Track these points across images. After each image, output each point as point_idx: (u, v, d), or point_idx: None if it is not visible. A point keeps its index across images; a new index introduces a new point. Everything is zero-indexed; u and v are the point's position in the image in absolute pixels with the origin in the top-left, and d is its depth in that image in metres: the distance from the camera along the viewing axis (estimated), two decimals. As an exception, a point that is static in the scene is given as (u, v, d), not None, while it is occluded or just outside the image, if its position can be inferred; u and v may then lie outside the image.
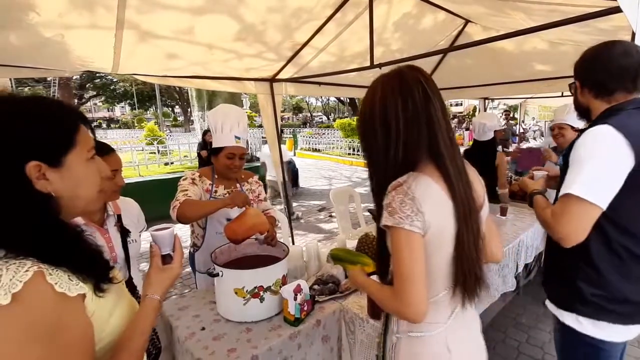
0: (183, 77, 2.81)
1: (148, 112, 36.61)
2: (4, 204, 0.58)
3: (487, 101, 6.16)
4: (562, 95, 5.46)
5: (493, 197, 2.98)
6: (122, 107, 39.63)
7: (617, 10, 1.26)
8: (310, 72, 3.14)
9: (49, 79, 17.63)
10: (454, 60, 3.89)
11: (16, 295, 0.53)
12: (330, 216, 5.90)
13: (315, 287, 1.61)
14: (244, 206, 1.55)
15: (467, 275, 0.87)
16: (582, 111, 1.24)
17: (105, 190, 0.74)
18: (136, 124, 26.09)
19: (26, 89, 17.28)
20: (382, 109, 0.86)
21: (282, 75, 3.19)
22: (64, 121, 0.65)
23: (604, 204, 1.02)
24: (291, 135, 15.84)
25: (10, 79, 2.35)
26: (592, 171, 1.02)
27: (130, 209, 1.52)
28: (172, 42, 2.22)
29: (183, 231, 3.30)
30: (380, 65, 2.27)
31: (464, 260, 0.86)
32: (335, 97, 22.77)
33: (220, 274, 1.37)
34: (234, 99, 7.66)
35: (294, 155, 13.42)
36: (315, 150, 15.01)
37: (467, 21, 3.18)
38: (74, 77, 18.95)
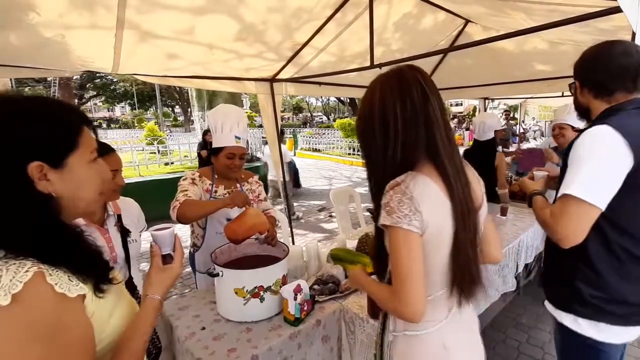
0: (183, 77, 2.81)
1: (148, 112, 36.63)
2: (5, 203, 0.58)
3: (487, 101, 6.16)
4: (562, 95, 5.46)
5: (493, 197, 2.98)
6: (122, 107, 39.65)
7: (617, 10, 1.26)
8: (311, 72, 3.14)
9: (49, 79, 17.63)
10: (454, 60, 3.89)
11: (16, 296, 0.53)
12: (331, 216, 5.91)
13: (315, 287, 1.61)
14: (244, 206, 1.55)
15: (463, 274, 0.87)
16: (582, 111, 1.24)
17: (105, 193, 0.74)
18: (136, 124, 26.10)
19: (26, 89, 17.27)
20: (380, 109, 0.86)
21: (283, 75, 3.19)
22: (67, 122, 0.66)
23: (602, 205, 1.01)
24: (291, 136, 15.84)
25: (10, 79, 2.35)
26: (591, 171, 1.02)
27: (130, 209, 1.53)
28: (172, 42, 2.22)
29: (183, 231, 3.30)
30: (380, 65, 2.27)
31: (460, 260, 0.86)
32: (336, 97, 22.77)
33: (221, 274, 1.37)
34: (234, 99, 7.66)
35: (294, 155, 13.42)
36: (316, 150, 15.01)
37: (467, 21, 3.18)
38: (74, 77, 18.95)
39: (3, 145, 0.58)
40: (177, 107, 32.59)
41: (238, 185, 1.88)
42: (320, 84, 3.51)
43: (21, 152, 0.59)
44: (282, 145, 5.76)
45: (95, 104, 36.15)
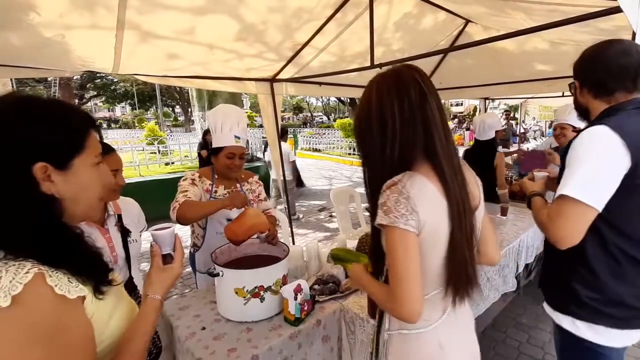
0: (183, 77, 2.82)
1: (148, 112, 36.65)
2: (8, 202, 0.58)
3: (487, 101, 6.16)
4: (562, 95, 5.46)
5: (492, 197, 2.98)
6: (123, 107, 39.68)
7: (617, 10, 1.26)
8: (311, 72, 3.14)
9: (49, 79, 17.64)
10: (455, 60, 3.89)
11: (16, 298, 0.53)
12: (331, 216, 5.91)
13: (316, 287, 1.61)
14: (243, 207, 1.55)
15: (459, 274, 0.87)
16: (582, 111, 1.23)
17: (105, 198, 0.74)
18: (137, 124, 26.12)
19: (27, 89, 17.28)
20: (378, 108, 0.86)
21: (283, 75, 3.19)
22: (75, 125, 0.66)
23: (599, 206, 1.00)
24: (291, 135, 15.84)
25: (10, 79, 2.35)
26: (588, 172, 1.01)
27: (130, 209, 1.53)
28: (172, 43, 2.22)
29: (183, 231, 3.30)
30: (380, 65, 2.27)
31: (456, 260, 0.86)
32: (336, 97, 22.72)
33: (221, 273, 1.37)
34: (235, 99, 7.67)
35: (294, 155, 13.40)
36: (316, 150, 15.01)
37: (468, 21, 3.18)
38: (75, 77, 18.96)
39: (10, 145, 0.58)
40: (177, 107, 32.61)
41: (238, 185, 1.88)
42: (320, 84, 3.51)
43: (27, 152, 0.59)
44: (285, 145, 5.79)
45: (96, 104, 36.13)
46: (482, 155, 3.02)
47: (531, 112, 13.23)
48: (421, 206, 0.80)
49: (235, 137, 1.69)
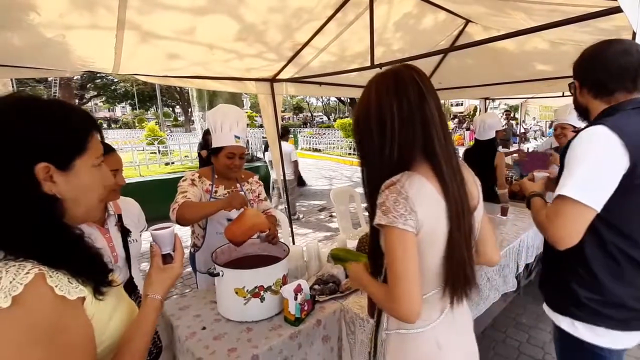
0: (184, 77, 2.82)
1: (149, 112, 36.67)
2: (9, 202, 0.58)
3: (487, 101, 6.16)
4: (563, 95, 5.46)
5: (492, 197, 2.98)
6: (123, 107, 39.72)
7: (617, 10, 1.26)
8: (311, 72, 3.14)
9: (49, 79, 17.65)
10: (455, 60, 3.89)
11: (17, 298, 0.53)
12: (331, 216, 5.91)
13: (316, 287, 1.61)
14: (242, 207, 1.55)
15: (457, 275, 0.87)
16: (582, 111, 1.22)
17: (104, 200, 0.74)
18: (137, 124, 26.13)
19: (27, 89, 17.29)
20: (377, 108, 0.86)
21: (283, 75, 3.20)
22: (78, 126, 0.66)
23: (598, 206, 1.00)
24: (291, 135, 15.83)
25: (11, 79, 2.35)
26: (586, 172, 1.00)
27: (130, 209, 1.53)
28: (173, 43, 2.23)
29: (183, 231, 3.30)
30: (380, 65, 2.27)
31: (454, 261, 0.86)
32: (336, 97, 22.74)
33: (221, 273, 1.37)
34: (235, 99, 7.65)
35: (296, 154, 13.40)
36: (316, 150, 15.01)
37: (468, 21, 3.18)
38: (75, 78, 18.97)
39: (12, 145, 0.58)
40: (177, 107, 32.61)
41: (238, 185, 1.88)
42: (320, 84, 3.51)
43: (29, 152, 0.59)
44: (287, 144, 5.79)
45: (96, 104, 36.16)
46: (483, 155, 3.02)
47: (531, 112, 13.24)
48: (420, 206, 0.80)
49: (235, 136, 1.69)
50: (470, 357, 1.00)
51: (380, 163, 0.87)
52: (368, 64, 2.40)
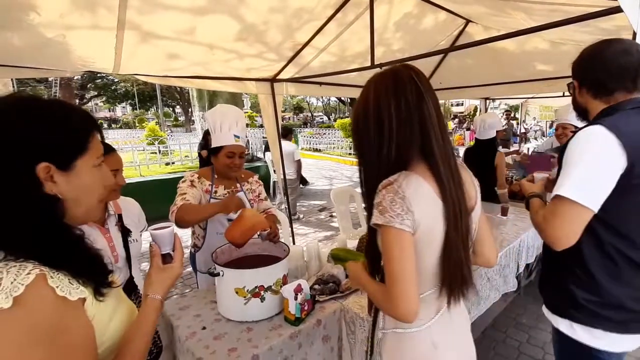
0: (184, 77, 2.82)
1: (149, 112, 36.67)
2: (9, 202, 0.58)
3: (488, 101, 6.16)
4: (563, 95, 5.46)
5: (492, 197, 2.98)
6: (123, 107, 39.75)
7: (618, 10, 1.26)
8: (311, 72, 3.14)
9: (50, 79, 17.66)
10: (455, 60, 3.89)
11: (18, 299, 0.53)
12: (331, 216, 5.91)
13: (316, 286, 1.61)
14: (239, 210, 1.55)
15: (454, 275, 0.87)
16: (581, 111, 1.21)
17: (104, 200, 0.74)
18: (137, 124, 26.13)
19: (27, 89, 17.30)
20: (375, 108, 0.87)
21: (283, 75, 3.20)
22: (79, 126, 0.66)
23: (595, 206, 0.99)
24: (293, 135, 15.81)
25: (11, 79, 2.35)
26: (583, 172, 1.00)
27: (131, 209, 1.53)
28: (173, 43, 2.23)
29: (183, 231, 3.31)
30: (381, 65, 2.27)
31: (451, 261, 0.86)
32: (336, 97, 22.76)
33: (221, 273, 1.37)
34: (235, 99, 7.65)
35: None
36: (316, 150, 15.01)
37: (468, 21, 3.18)
38: (75, 78, 18.98)
39: (12, 145, 0.58)
40: (177, 107, 32.62)
41: (238, 185, 1.88)
42: (320, 84, 3.51)
43: (30, 152, 0.59)
44: (290, 144, 5.79)
45: (96, 104, 36.19)
46: (483, 154, 3.02)
47: (531, 112, 13.22)
48: (417, 206, 0.80)
49: (235, 136, 1.69)
50: (466, 357, 1.00)
51: (378, 163, 0.88)
52: (368, 64, 2.40)
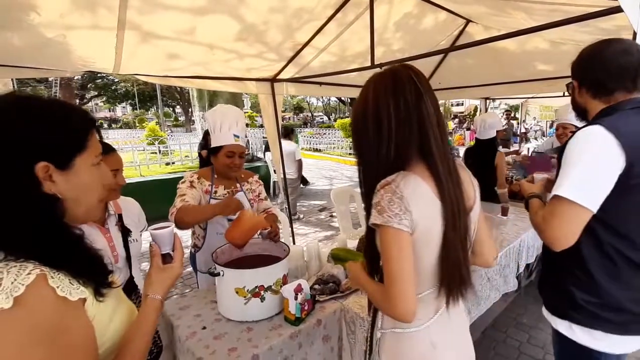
0: (184, 77, 2.82)
1: (149, 112, 36.67)
2: (8, 202, 0.58)
3: (488, 101, 6.16)
4: (563, 95, 5.45)
5: (492, 197, 2.98)
6: (124, 107, 39.76)
7: (618, 10, 1.26)
8: (311, 72, 3.14)
9: (50, 79, 17.67)
10: (455, 60, 3.89)
11: (18, 299, 0.53)
12: (331, 216, 5.91)
13: (316, 286, 1.61)
14: (238, 211, 1.55)
15: (453, 275, 0.87)
16: (580, 111, 1.21)
17: (104, 199, 0.73)
18: (137, 124, 26.13)
19: (28, 89, 17.31)
20: (374, 108, 0.87)
21: (283, 75, 3.20)
22: (77, 125, 0.66)
23: (594, 207, 0.99)
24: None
25: (12, 79, 2.36)
26: (582, 173, 0.99)
27: (131, 208, 1.53)
28: (173, 43, 2.23)
29: (184, 231, 3.31)
30: (381, 65, 2.27)
31: (450, 260, 0.86)
32: (336, 97, 22.77)
33: (221, 273, 1.38)
34: (235, 99, 7.65)
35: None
36: (316, 150, 15.01)
37: (468, 21, 3.18)
38: (76, 78, 18.99)
39: (11, 144, 0.57)
40: (178, 107, 32.63)
41: (238, 185, 1.88)
42: (321, 84, 3.51)
43: (29, 151, 0.59)
44: (291, 143, 5.79)
45: (97, 104, 36.20)
46: (483, 154, 3.01)
47: (532, 112, 13.21)
48: (415, 206, 0.80)
49: (234, 135, 1.69)
50: (465, 357, 1.00)
51: (377, 162, 0.88)
52: (368, 64, 2.40)
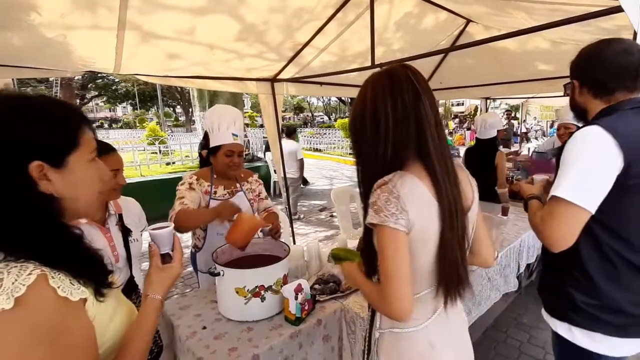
0: (184, 77, 2.82)
1: (150, 112, 36.67)
2: (6, 203, 0.58)
3: (488, 101, 6.15)
4: (564, 95, 5.44)
5: (492, 197, 2.97)
6: (124, 107, 39.76)
7: (618, 9, 1.26)
8: (312, 72, 3.14)
9: (51, 79, 17.69)
10: (456, 60, 3.89)
11: (19, 299, 0.53)
12: (332, 216, 5.91)
13: (316, 286, 1.61)
14: (235, 214, 1.55)
15: (450, 275, 0.87)
16: (579, 111, 1.20)
17: (104, 192, 0.73)
18: (138, 124, 26.14)
19: (28, 89, 17.32)
20: (372, 108, 0.87)
21: (284, 75, 3.20)
22: (68, 122, 0.65)
23: (592, 207, 0.98)
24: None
25: (12, 79, 2.36)
26: (580, 173, 0.99)
27: (131, 208, 1.53)
28: (173, 43, 2.23)
29: (184, 231, 3.31)
30: (381, 65, 2.27)
31: (447, 261, 0.86)
32: (337, 97, 22.78)
33: (222, 273, 1.38)
34: (235, 99, 7.65)
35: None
36: (317, 150, 15.01)
37: (469, 21, 3.18)
38: (76, 78, 19.00)
39: (4, 145, 0.57)
40: (178, 107, 32.65)
41: (238, 185, 1.88)
42: (321, 84, 3.51)
43: (21, 151, 0.58)
44: (293, 142, 5.79)
45: (97, 104, 36.26)
46: (483, 154, 3.00)
47: (532, 111, 13.20)
48: (411, 206, 0.80)
49: (233, 134, 1.69)
50: (464, 357, 1.00)
51: (375, 162, 0.88)
52: (368, 63, 2.40)
